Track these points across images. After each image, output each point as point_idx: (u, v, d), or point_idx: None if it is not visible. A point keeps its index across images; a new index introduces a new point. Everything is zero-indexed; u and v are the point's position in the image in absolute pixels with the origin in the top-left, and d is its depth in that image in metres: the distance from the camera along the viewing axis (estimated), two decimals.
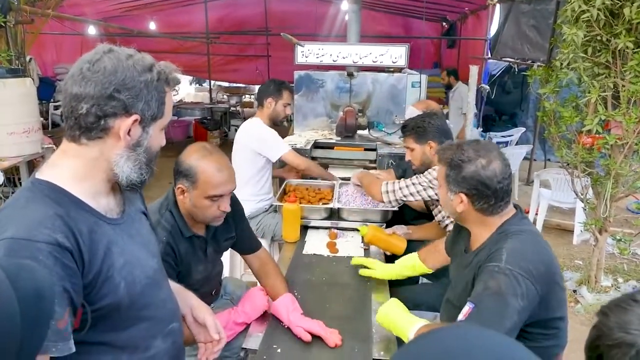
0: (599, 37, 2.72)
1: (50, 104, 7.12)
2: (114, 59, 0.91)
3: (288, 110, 2.92)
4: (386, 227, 2.35)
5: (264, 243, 2.66)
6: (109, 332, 0.98)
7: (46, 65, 8.07)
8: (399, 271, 1.93)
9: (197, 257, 1.66)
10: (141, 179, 0.99)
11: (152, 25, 9.46)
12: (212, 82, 10.27)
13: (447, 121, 2.51)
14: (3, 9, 3.76)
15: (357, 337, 1.53)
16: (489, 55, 6.99)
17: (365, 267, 1.95)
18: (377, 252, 2.23)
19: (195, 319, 1.27)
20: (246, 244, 1.83)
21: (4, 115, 3.51)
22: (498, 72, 7.16)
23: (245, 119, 3.84)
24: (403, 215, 2.58)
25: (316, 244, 2.27)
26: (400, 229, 2.32)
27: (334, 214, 2.48)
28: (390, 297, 1.82)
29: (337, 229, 2.44)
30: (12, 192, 3.84)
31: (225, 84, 11.31)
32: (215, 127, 8.57)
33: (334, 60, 3.65)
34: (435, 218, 2.31)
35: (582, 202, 3.26)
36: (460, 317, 1.28)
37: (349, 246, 2.24)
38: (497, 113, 8.05)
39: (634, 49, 2.60)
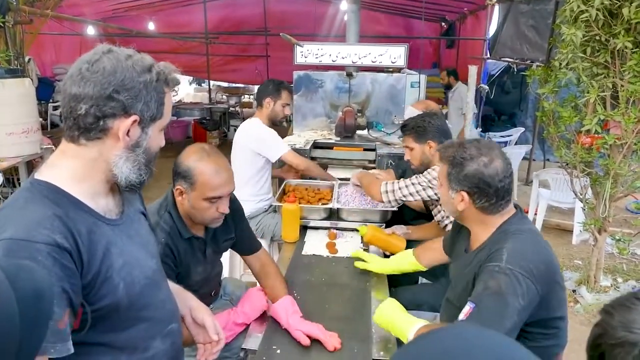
0: (597, 37, 2.72)
1: (49, 104, 7.11)
2: (113, 59, 0.91)
3: (287, 110, 2.92)
4: (385, 227, 2.35)
5: (264, 243, 2.66)
6: (108, 332, 0.98)
7: (45, 65, 8.06)
8: (394, 266, 1.94)
9: (196, 258, 1.65)
10: (140, 179, 0.99)
11: (151, 26, 9.46)
12: (211, 82, 10.27)
13: (446, 121, 2.51)
14: (2, 9, 3.76)
15: (356, 338, 1.53)
16: (488, 56, 6.99)
17: (361, 260, 1.98)
18: (376, 252, 2.23)
19: (194, 319, 1.27)
20: (246, 245, 1.83)
21: (3, 115, 3.51)
22: (497, 72, 7.17)
23: (244, 119, 3.83)
24: (402, 215, 2.58)
25: (315, 244, 2.27)
26: (399, 229, 2.32)
27: (333, 214, 2.48)
28: (390, 297, 1.82)
29: (337, 229, 2.44)
30: (11, 193, 3.83)
31: (225, 84, 11.31)
32: (215, 127, 8.56)
33: (333, 61, 3.65)
34: (435, 218, 2.31)
35: (581, 202, 3.27)
36: (461, 317, 1.28)
37: (349, 246, 2.24)
38: (496, 113, 8.06)
39: (632, 49, 2.60)
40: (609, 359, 0.71)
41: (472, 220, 1.46)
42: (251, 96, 10.50)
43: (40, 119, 4.58)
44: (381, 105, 3.83)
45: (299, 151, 3.04)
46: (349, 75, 3.80)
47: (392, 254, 2.16)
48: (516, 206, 1.47)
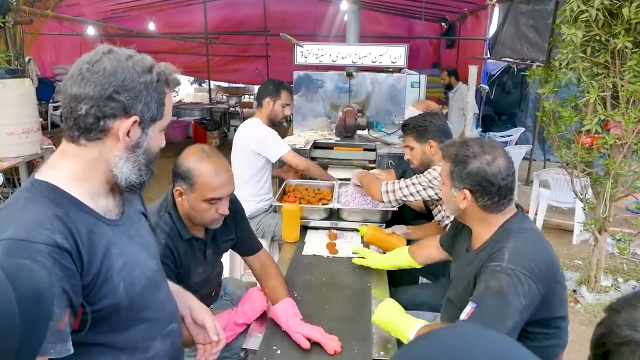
0: (597, 37, 2.72)
1: (50, 104, 7.12)
2: (113, 59, 0.90)
3: (287, 110, 2.91)
4: (386, 227, 2.35)
5: (264, 243, 2.66)
6: (108, 333, 0.98)
7: (45, 65, 8.06)
8: (390, 262, 1.96)
9: (196, 259, 1.65)
10: (140, 180, 0.99)
11: (152, 26, 9.46)
12: (212, 82, 10.28)
13: (447, 121, 2.51)
14: (2, 9, 3.76)
15: (356, 338, 1.53)
16: (488, 56, 6.99)
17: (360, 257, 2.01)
18: (376, 251, 2.23)
19: (194, 320, 1.26)
20: (246, 246, 1.82)
21: (3, 115, 3.51)
22: (497, 72, 7.17)
23: (244, 119, 3.83)
24: (402, 215, 2.58)
25: (316, 244, 2.27)
26: (399, 229, 2.32)
27: (333, 214, 2.48)
28: (391, 297, 1.82)
29: (337, 229, 2.43)
30: (12, 193, 3.83)
31: (225, 85, 11.31)
32: (215, 127, 8.56)
33: (333, 61, 3.65)
34: (435, 218, 2.30)
35: (582, 202, 3.27)
36: (463, 316, 1.28)
37: (349, 247, 2.24)
38: (496, 113, 8.06)
39: (632, 49, 2.60)
40: (613, 358, 0.70)
41: (474, 219, 1.46)
42: (251, 96, 10.50)
43: (41, 119, 4.59)
44: (381, 105, 3.83)
45: (299, 151, 3.04)
46: (349, 75, 3.80)
47: None
48: (517, 206, 1.48)
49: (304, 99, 3.95)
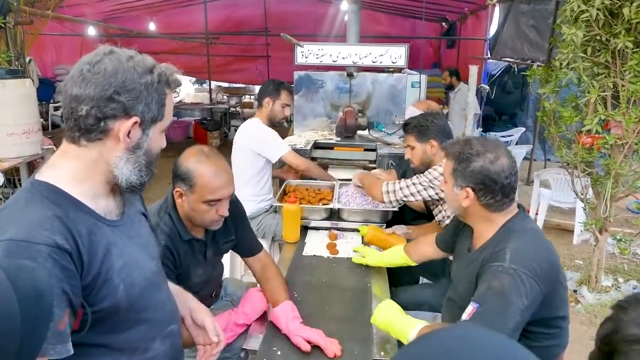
0: (598, 37, 2.72)
1: (50, 104, 7.12)
2: (114, 60, 0.90)
3: (287, 111, 2.90)
4: (386, 227, 2.35)
5: (265, 243, 2.66)
6: (108, 334, 0.98)
7: (46, 66, 8.07)
8: (388, 259, 1.97)
9: (197, 260, 1.64)
10: (141, 181, 0.98)
11: (152, 26, 9.46)
12: (212, 82, 10.28)
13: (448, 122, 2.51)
14: (2, 10, 3.76)
15: (357, 339, 1.52)
16: (489, 55, 6.99)
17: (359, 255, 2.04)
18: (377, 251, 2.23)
19: (194, 321, 1.26)
20: (246, 247, 1.81)
21: (4, 116, 3.51)
22: (498, 72, 7.17)
23: (245, 119, 3.83)
24: (403, 215, 2.58)
25: (316, 245, 2.27)
26: (399, 229, 2.32)
27: (334, 215, 2.48)
28: (391, 297, 1.83)
29: (337, 230, 2.43)
30: (12, 193, 3.83)
31: (225, 85, 11.32)
32: (215, 127, 8.57)
33: (333, 61, 3.65)
34: (435, 218, 2.30)
35: (582, 202, 3.27)
36: (464, 316, 1.29)
37: (349, 247, 2.23)
38: (497, 113, 8.06)
39: (633, 49, 2.60)
40: (620, 355, 0.70)
41: (476, 218, 1.46)
42: (252, 96, 10.51)
43: (41, 120, 4.59)
44: (382, 105, 3.83)
45: (299, 151, 3.04)
46: (350, 75, 3.80)
47: None
48: (519, 205, 1.48)
49: (305, 99, 3.94)
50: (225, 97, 10.27)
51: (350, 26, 3.94)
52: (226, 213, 1.55)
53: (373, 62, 3.60)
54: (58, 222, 0.86)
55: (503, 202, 1.40)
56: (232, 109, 9.63)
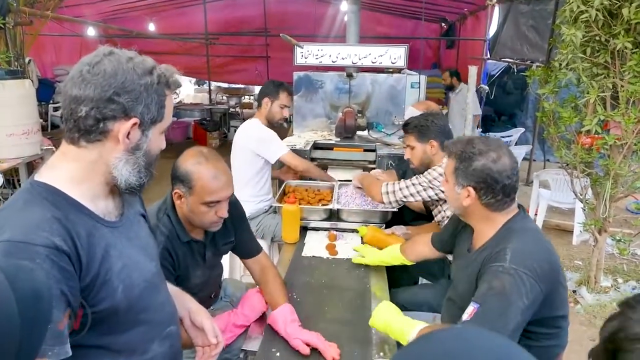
0: (597, 38, 2.72)
1: (50, 105, 7.12)
2: (114, 61, 0.90)
3: (285, 112, 2.88)
4: (385, 228, 2.35)
5: (264, 244, 2.66)
6: (106, 335, 0.98)
7: (45, 66, 8.07)
8: (383, 258, 1.98)
9: (196, 261, 1.64)
10: (140, 182, 0.98)
11: (152, 27, 9.46)
12: (212, 83, 10.28)
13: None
14: (2, 10, 3.77)
15: (356, 340, 1.52)
16: (488, 56, 6.99)
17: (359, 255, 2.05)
18: None
19: (193, 322, 1.26)
20: (246, 248, 1.80)
21: (3, 116, 3.51)
22: (497, 72, 7.17)
23: (244, 120, 3.83)
24: (402, 216, 2.58)
25: (315, 245, 2.27)
26: (399, 230, 2.32)
27: (333, 215, 2.48)
28: (391, 298, 1.83)
29: (337, 230, 2.43)
30: (11, 194, 3.83)
31: (225, 85, 11.31)
32: (215, 128, 8.56)
33: (333, 61, 3.65)
34: (435, 219, 2.31)
35: (582, 202, 3.27)
36: (465, 317, 1.29)
37: (348, 248, 2.24)
38: (496, 113, 8.07)
39: (632, 49, 2.60)
40: (625, 354, 0.69)
41: (477, 217, 1.46)
42: (251, 97, 10.51)
43: (41, 120, 4.59)
44: (381, 105, 3.83)
45: (299, 152, 3.04)
46: (349, 76, 3.80)
47: None
48: (519, 206, 1.48)
49: (304, 99, 3.95)
50: (224, 97, 10.27)
51: (350, 27, 3.94)
52: (225, 214, 1.54)
53: (372, 62, 3.61)
54: (57, 224, 0.86)
55: (504, 202, 1.40)
56: (231, 109, 9.63)
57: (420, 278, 2.48)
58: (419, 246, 1.90)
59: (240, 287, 2.03)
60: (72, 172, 0.94)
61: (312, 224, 2.45)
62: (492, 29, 6.97)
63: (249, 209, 2.56)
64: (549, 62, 4.10)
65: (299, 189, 2.73)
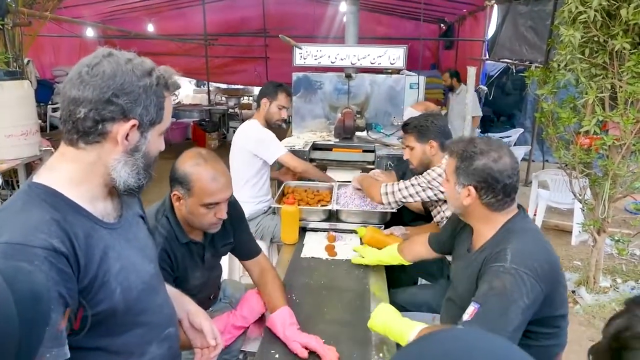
0: (596, 38, 2.72)
1: (49, 106, 7.10)
2: (113, 63, 0.90)
3: (284, 113, 2.87)
4: (384, 229, 2.35)
5: (263, 245, 2.66)
6: (104, 337, 0.98)
7: (44, 67, 8.06)
8: (381, 258, 1.98)
9: (194, 263, 1.64)
10: (139, 184, 0.98)
11: (150, 28, 9.46)
12: (211, 83, 10.28)
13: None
14: (1, 11, 3.77)
15: (355, 341, 1.52)
16: (487, 57, 7.00)
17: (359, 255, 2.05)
18: None
19: (192, 324, 1.26)
20: (245, 250, 1.80)
21: (2, 117, 3.51)
22: (496, 73, 7.18)
23: (243, 120, 3.83)
24: (401, 216, 2.58)
25: (314, 246, 2.27)
26: (398, 230, 2.32)
27: (332, 216, 2.48)
28: (390, 298, 1.83)
29: (336, 231, 2.43)
30: (10, 195, 3.83)
31: (224, 86, 11.31)
32: (214, 129, 8.56)
33: (332, 62, 3.65)
34: (434, 219, 2.31)
35: (581, 202, 3.27)
36: (465, 317, 1.29)
37: (348, 249, 2.23)
38: (495, 114, 8.08)
39: (631, 50, 2.61)
40: (631, 352, 0.68)
41: (477, 217, 1.46)
42: (250, 98, 10.51)
43: (39, 121, 4.58)
44: (380, 106, 3.83)
45: (298, 153, 3.03)
46: (348, 76, 3.80)
47: None
48: (519, 206, 1.48)
49: (303, 100, 3.95)
50: (223, 98, 10.26)
51: (349, 27, 3.94)
52: (224, 216, 1.54)
53: (371, 63, 3.61)
54: (55, 226, 0.86)
55: (504, 202, 1.40)
56: (230, 110, 9.63)
57: (419, 278, 2.48)
58: (416, 246, 1.91)
59: (239, 288, 2.02)
60: (71, 173, 0.93)
61: (311, 225, 2.45)
62: (491, 30, 6.98)
63: (248, 209, 2.56)
64: (547, 63, 4.11)
65: (298, 189, 2.73)
